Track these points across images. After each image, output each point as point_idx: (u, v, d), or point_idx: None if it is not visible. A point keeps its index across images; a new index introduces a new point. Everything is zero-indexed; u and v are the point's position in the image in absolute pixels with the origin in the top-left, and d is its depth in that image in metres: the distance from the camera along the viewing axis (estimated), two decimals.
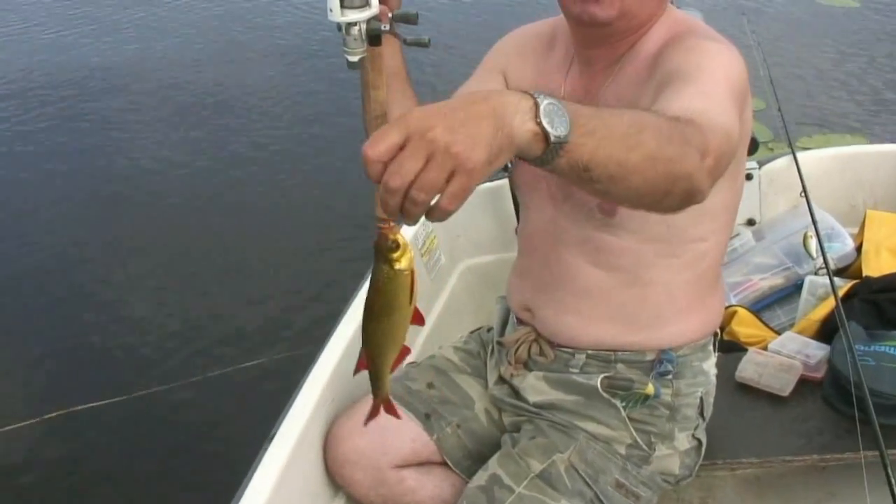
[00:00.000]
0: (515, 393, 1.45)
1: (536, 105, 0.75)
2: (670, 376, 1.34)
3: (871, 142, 4.01)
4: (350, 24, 1.14)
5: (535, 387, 1.41)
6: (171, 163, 4.47)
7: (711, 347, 1.40)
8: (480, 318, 1.94)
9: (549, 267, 1.37)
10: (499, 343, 1.49)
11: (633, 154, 0.81)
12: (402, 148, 0.70)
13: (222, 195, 4.10)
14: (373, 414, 1.05)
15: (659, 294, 1.32)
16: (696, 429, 1.39)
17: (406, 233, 2.01)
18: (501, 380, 1.48)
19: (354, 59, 1.17)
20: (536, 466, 1.32)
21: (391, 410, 1.05)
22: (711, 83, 1.05)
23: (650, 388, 1.33)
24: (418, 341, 1.95)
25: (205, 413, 2.65)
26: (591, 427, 1.36)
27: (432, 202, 0.72)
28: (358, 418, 1.45)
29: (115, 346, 3.05)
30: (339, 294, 1.73)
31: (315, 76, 5.47)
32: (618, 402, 1.34)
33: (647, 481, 1.35)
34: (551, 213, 1.35)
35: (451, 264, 2.23)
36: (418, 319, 0.88)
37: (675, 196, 0.89)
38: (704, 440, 1.41)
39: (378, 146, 0.70)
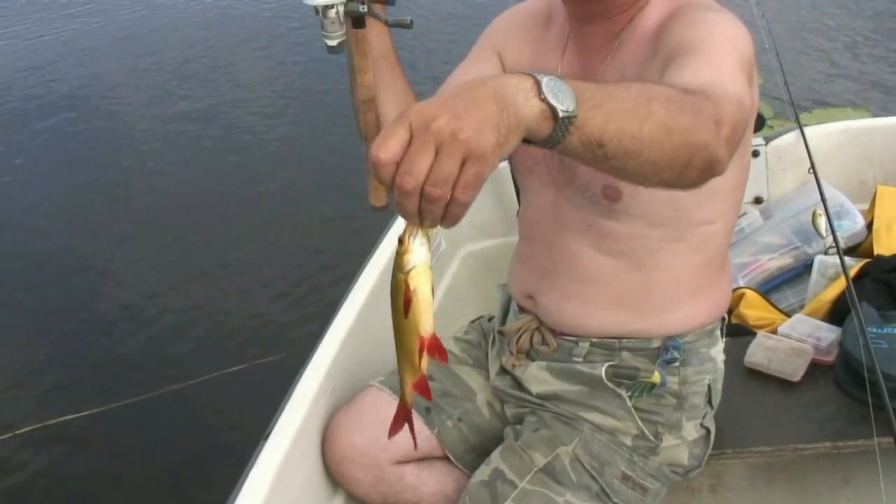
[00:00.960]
0: (518, 384, 1.42)
1: (537, 83, 0.72)
2: (677, 363, 1.31)
3: (874, 115, 3.96)
4: (327, 7, 1.10)
5: (537, 377, 1.38)
6: (162, 157, 4.44)
7: (719, 333, 1.37)
8: (483, 304, 1.91)
9: (552, 253, 1.34)
10: (500, 332, 1.46)
11: (646, 126, 0.79)
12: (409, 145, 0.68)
13: (218, 190, 4.07)
14: (394, 422, 0.95)
15: (665, 279, 1.28)
16: (704, 417, 1.36)
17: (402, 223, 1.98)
18: (503, 370, 1.45)
19: (333, 42, 1.14)
20: (540, 460, 1.29)
21: (407, 417, 0.95)
22: (718, 53, 1.02)
23: (656, 377, 1.30)
24: None
25: (200, 417, 2.62)
26: (596, 418, 1.33)
27: None
28: (356, 413, 1.43)
29: (103, 351, 2.99)
30: (338, 289, 1.71)
31: (309, 61, 5.42)
32: (623, 392, 1.31)
33: (654, 473, 1.32)
34: (553, 197, 1.31)
35: (452, 250, 2.20)
36: (430, 352, 0.81)
37: (695, 168, 0.86)
38: (713, 429, 1.38)
39: (387, 146, 0.68)
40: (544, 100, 0.72)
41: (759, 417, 1.56)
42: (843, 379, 1.58)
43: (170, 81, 5.40)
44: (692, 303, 1.31)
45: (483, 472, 1.31)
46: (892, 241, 1.91)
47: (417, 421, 1.41)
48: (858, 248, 2.00)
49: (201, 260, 3.48)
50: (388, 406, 1.41)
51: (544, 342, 1.37)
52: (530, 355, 1.40)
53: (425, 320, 0.80)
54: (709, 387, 1.35)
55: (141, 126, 4.84)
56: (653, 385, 1.31)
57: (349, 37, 1.15)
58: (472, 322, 1.59)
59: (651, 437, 1.32)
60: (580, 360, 1.34)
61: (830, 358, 1.64)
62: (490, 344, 1.50)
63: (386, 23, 1.16)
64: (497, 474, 1.29)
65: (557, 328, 1.36)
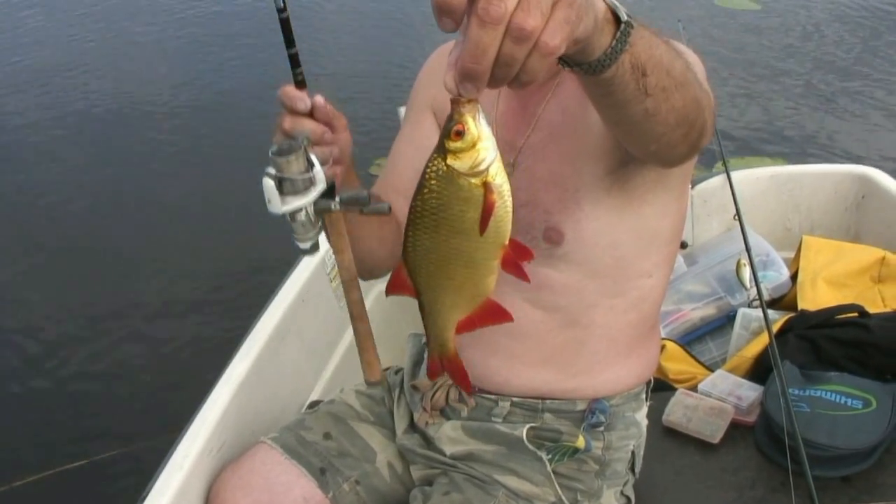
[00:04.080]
0: (427, 443, 1.39)
1: None
2: (602, 428, 1.30)
3: (790, 163, 4.09)
4: (295, 212, 1.04)
5: (451, 437, 1.35)
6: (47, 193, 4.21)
7: (644, 396, 1.38)
8: (394, 352, 1.87)
9: None
10: (413, 387, 1.42)
11: (676, 64, 0.81)
12: None
13: (119, 233, 3.90)
14: (430, 373, 0.84)
15: (598, 337, 1.28)
16: (625, 485, 1.36)
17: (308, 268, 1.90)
18: (412, 428, 1.41)
19: (307, 245, 1.06)
20: None
21: (455, 371, 0.82)
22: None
23: (581, 441, 1.29)
24: (324, 376, 1.87)
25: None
26: (512, 482, 1.30)
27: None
28: (243, 472, 1.36)
29: None
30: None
31: (227, 70, 5.27)
32: (543, 455, 1.30)
33: None
34: None
35: (365, 289, 2.13)
36: (512, 266, 0.69)
37: (696, 131, 0.90)
38: (633, 498, 1.38)
39: None
40: (606, 1, 0.69)
41: (677, 481, 1.58)
42: (763, 442, 1.61)
43: (80, 89, 5.24)
44: (623, 363, 1.31)
45: None
46: (817, 295, 1.98)
47: (310, 483, 1.35)
48: (782, 300, 2.07)
49: (79, 319, 3.31)
50: (279, 466, 1.36)
51: (462, 399, 1.34)
52: (445, 413, 1.37)
53: (509, 226, 0.67)
54: (632, 453, 1.35)
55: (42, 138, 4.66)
56: (576, 449, 1.30)
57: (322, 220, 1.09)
58: None
59: None
60: (500, 420, 1.32)
61: (752, 419, 1.67)
62: (395, 400, 1.46)
63: (362, 212, 1.10)
64: None
65: (479, 384, 1.33)
